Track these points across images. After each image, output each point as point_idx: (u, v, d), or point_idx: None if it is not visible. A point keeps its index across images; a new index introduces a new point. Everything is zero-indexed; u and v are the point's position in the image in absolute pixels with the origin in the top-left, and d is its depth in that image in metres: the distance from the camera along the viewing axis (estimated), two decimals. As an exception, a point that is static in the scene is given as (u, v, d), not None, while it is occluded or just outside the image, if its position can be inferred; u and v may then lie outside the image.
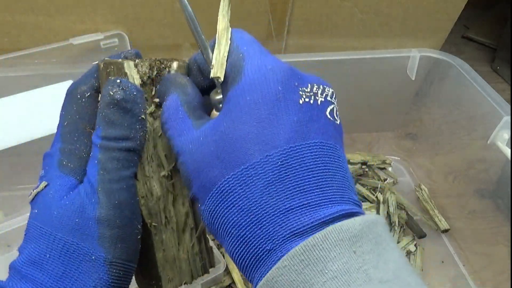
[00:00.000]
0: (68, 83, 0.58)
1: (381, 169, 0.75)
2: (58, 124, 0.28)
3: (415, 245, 0.64)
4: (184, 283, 0.31)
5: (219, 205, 0.23)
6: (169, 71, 0.29)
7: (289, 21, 0.70)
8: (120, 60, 0.27)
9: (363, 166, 0.73)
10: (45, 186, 0.27)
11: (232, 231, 0.22)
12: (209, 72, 0.26)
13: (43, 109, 0.57)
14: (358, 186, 0.71)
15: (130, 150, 0.27)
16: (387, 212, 0.65)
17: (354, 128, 0.83)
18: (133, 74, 0.28)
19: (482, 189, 0.65)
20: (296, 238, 0.21)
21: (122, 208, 0.26)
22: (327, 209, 0.22)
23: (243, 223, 0.22)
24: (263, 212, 0.22)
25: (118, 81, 0.27)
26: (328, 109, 0.24)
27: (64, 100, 0.29)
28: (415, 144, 0.81)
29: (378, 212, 0.65)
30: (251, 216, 0.22)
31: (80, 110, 0.28)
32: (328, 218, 0.21)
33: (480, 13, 1.18)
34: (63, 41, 0.61)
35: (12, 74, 0.58)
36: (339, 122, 0.25)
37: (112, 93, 0.26)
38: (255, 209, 0.22)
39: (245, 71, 0.24)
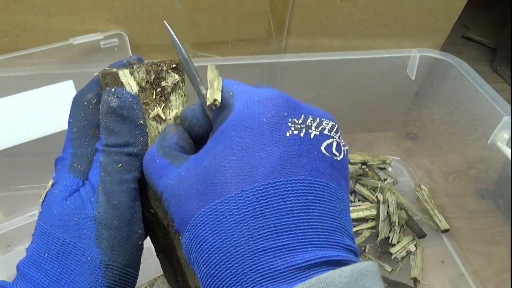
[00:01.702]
0: (68, 83, 0.58)
1: (381, 169, 0.75)
2: (67, 131, 0.29)
3: (415, 245, 0.64)
4: None
5: (194, 239, 0.22)
6: (167, 73, 0.30)
7: (289, 21, 0.69)
8: (115, 69, 0.28)
9: (363, 166, 0.73)
10: (52, 185, 0.27)
11: (202, 269, 0.21)
12: (199, 124, 0.27)
13: (43, 109, 0.57)
14: (358, 186, 0.71)
15: (132, 154, 0.27)
16: (387, 212, 0.65)
17: (354, 128, 0.83)
18: (130, 81, 0.28)
19: (482, 189, 0.65)
20: (267, 283, 0.19)
21: (121, 210, 0.26)
22: (305, 254, 0.20)
23: (213, 261, 0.21)
24: (233, 251, 0.20)
25: (113, 89, 0.27)
26: (324, 144, 0.23)
27: (71, 108, 0.29)
28: (415, 144, 0.81)
29: (378, 212, 0.65)
30: (221, 255, 0.20)
31: (88, 116, 0.29)
32: (304, 264, 0.20)
33: (480, 13, 1.18)
34: (63, 41, 0.61)
35: (12, 74, 0.57)
36: (342, 158, 0.24)
37: (108, 102, 0.27)
38: (225, 247, 0.20)
39: (234, 107, 0.23)
